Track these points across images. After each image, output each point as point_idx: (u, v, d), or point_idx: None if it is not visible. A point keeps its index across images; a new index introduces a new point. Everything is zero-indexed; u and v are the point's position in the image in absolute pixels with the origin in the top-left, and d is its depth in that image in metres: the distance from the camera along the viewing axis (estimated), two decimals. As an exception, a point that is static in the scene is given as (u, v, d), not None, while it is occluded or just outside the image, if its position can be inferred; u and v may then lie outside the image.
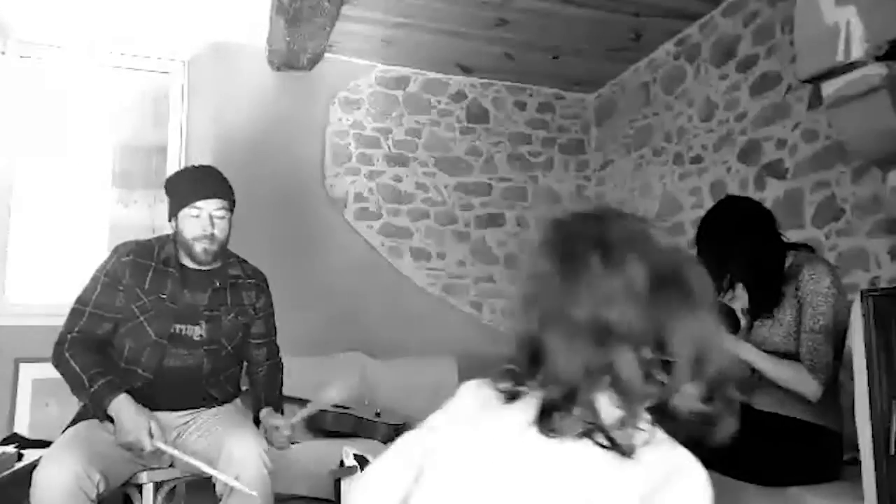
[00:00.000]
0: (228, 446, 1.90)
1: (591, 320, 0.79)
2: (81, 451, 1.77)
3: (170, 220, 2.13)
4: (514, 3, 3.38)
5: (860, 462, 1.63)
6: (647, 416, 0.81)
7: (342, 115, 4.01)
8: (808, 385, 1.88)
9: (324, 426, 3.07)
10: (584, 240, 0.84)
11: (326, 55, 3.81)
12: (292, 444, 2.21)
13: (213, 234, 2.06)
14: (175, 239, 2.11)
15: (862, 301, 1.62)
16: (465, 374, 4.05)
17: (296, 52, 3.59)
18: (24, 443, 2.62)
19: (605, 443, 0.78)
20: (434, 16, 3.50)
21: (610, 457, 0.78)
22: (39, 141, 3.53)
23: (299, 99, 3.90)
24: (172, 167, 3.65)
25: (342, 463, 2.61)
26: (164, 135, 3.71)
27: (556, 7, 3.40)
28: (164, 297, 2.06)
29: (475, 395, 0.92)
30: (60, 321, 3.04)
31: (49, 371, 3.17)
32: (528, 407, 0.84)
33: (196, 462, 1.88)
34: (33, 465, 1.99)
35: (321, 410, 3.09)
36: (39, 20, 3.42)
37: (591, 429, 0.79)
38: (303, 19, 3.19)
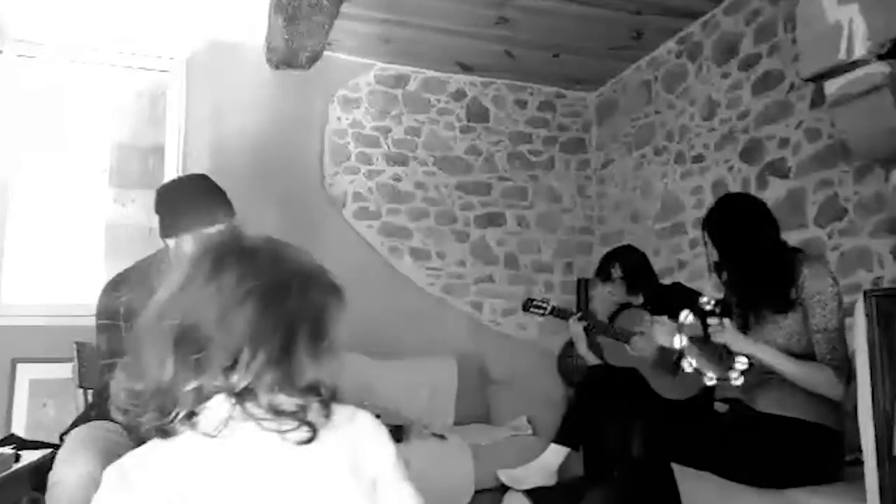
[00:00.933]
0: None
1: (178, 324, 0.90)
2: (95, 451, 1.73)
3: (164, 239, 1.95)
4: (515, 1, 3.36)
5: (862, 463, 1.61)
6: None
7: (341, 113, 4.00)
8: (834, 386, 1.87)
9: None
10: (207, 252, 0.97)
11: (325, 53, 3.79)
12: None
13: None
14: (171, 259, 1.95)
15: (865, 301, 1.61)
16: (465, 374, 4.04)
17: (294, 51, 3.58)
18: (21, 443, 2.60)
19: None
20: (434, 14, 3.49)
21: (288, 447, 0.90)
22: (37, 140, 3.52)
23: (298, 98, 3.89)
24: (170, 166, 3.64)
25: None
26: (162, 134, 3.69)
27: (557, 5, 3.38)
28: None
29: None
30: (57, 321, 3.07)
31: (46, 371, 3.21)
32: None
33: None
34: (32, 465, 1.98)
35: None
36: (37, 19, 3.41)
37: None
38: (301, 17, 3.17)
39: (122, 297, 1.90)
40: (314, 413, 0.93)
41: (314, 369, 0.93)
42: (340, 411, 0.97)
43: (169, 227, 1.94)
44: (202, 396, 0.90)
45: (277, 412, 0.90)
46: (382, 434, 1.01)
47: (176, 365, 0.89)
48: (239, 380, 0.89)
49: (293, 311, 0.93)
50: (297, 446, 0.90)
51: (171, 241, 1.94)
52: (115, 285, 1.96)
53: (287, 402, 0.91)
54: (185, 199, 1.94)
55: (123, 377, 0.94)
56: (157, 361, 0.90)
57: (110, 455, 1.76)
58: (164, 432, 0.89)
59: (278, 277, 0.94)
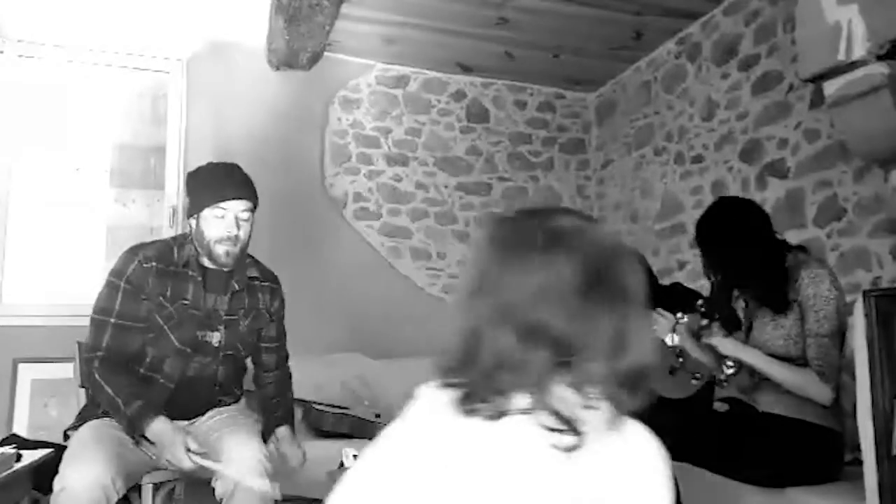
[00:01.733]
0: (228, 449, 1.88)
1: (522, 317, 0.84)
2: (103, 456, 1.72)
3: (189, 218, 2.05)
4: (515, 2, 3.36)
5: (861, 462, 1.62)
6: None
7: (342, 114, 4.00)
8: (821, 391, 1.88)
9: (324, 427, 3.06)
10: (522, 234, 0.90)
11: (326, 54, 3.79)
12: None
13: (236, 236, 1.97)
14: (193, 239, 2.02)
15: (864, 301, 1.61)
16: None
17: (295, 52, 3.58)
18: (22, 443, 2.61)
19: (552, 425, 0.84)
20: (434, 14, 3.49)
21: (562, 453, 0.83)
22: (37, 140, 3.52)
23: (299, 98, 3.89)
24: (171, 167, 3.64)
25: (342, 464, 2.60)
26: (163, 134, 3.69)
27: (557, 6, 3.38)
28: (186, 302, 1.98)
29: (431, 400, 0.93)
30: (58, 321, 3.07)
31: (48, 371, 3.21)
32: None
33: (226, 470, 1.81)
34: (33, 465, 1.98)
35: (320, 411, 3.08)
36: (37, 19, 3.41)
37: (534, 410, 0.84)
38: (302, 18, 3.18)
39: (136, 262, 1.95)
40: (601, 417, 0.85)
41: (631, 356, 0.86)
42: (624, 423, 0.88)
43: (192, 205, 2.04)
44: (528, 381, 0.85)
45: (579, 404, 0.84)
46: (662, 468, 0.88)
47: (507, 343, 0.84)
48: (566, 373, 0.84)
49: (612, 295, 0.86)
50: (570, 451, 0.83)
51: (192, 221, 2.03)
52: (135, 249, 2.02)
53: (587, 397, 0.85)
54: (205, 179, 2.05)
55: (439, 356, 0.91)
56: (473, 342, 0.86)
57: (117, 458, 1.76)
58: (490, 413, 0.86)
59: (593, 261, 0.86)
